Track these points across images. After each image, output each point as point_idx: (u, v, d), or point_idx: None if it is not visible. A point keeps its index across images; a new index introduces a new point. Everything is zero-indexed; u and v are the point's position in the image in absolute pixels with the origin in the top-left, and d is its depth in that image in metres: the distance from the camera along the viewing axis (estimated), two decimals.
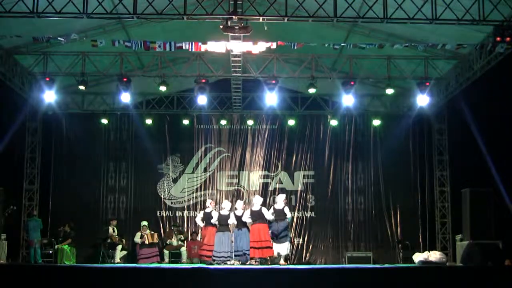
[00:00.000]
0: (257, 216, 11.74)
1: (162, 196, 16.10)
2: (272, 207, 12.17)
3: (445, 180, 15.73)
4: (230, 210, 12.33)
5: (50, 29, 11.75)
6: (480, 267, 9.52)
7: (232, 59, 12.66)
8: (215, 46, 11.48)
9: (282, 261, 11.82)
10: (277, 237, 11.75)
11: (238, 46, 11.48)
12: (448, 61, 13.58)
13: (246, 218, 11.88)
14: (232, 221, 12.08)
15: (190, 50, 11.60)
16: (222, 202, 15.99)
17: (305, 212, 15.91)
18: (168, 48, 11.56)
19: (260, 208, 11.82)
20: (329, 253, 15.85)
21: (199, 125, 16.31)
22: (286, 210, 11.90)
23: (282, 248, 11.78)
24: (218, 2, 10.40)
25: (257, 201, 12.03)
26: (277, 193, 15.56)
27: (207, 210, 12.68)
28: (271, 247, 11.72)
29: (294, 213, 15.54)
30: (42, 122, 15.81)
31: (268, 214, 11.77)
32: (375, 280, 7.25)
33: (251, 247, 11.67)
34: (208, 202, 13.09)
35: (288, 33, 12.70)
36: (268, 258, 11.75)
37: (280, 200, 12.08)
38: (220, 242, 11.95)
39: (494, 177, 12.60)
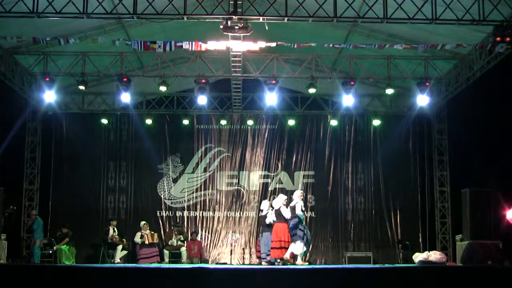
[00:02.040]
0: (277, 216, 11.63)
1: (162, 196, 16.10)
2: (289, 205, 12.03)
3: (445, 180, 15.73)
4: (268, 209, 12.23)
5: (50, 29, 11.76)
6: (480, 267, 9.52)
7: (232, 59, 12.66)
8: (215, 45, 11.49)
9: (298, 261, 11.54)
10: (290, 236, 11.61)
11: (238, 45, 11.48)
12: (448, 61, 13.58)
13: (274, 217, 11.80)
14: (269, 220, 12.01)
15: (190, 49, 11.59)
16: (223, 203, 16.14)
17: (305, 212, 15.88)
18: (168, 48, 11.55)
19: (280, 207, 11.62)
20: (329, 253, 15.85)
21: (199, 125, 16.32)
22: (297, 207, 11.46)
23: (292, 248, 11.45)
24: (218, 2, 10.41)
25: (279, 199, 11.76)
26: (277, 193, 15.56)
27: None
28: (286, 248, 11.45)
29: None
30: (42, 122, 15.81)
31: (286, 213, 11.48)
32: (375, 280, 7.25)
33: (271, 248, 11.61)
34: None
35: (288, 33, 12.70)
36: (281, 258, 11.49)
37: (295, 197, 11.69)
38: (263, 243, 12.20)
39: (492, 178, 12.60)
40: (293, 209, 11.51)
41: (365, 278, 7.34)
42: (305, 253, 11.84)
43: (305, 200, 15.82)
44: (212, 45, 11.48)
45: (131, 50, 13.31)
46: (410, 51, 12.72)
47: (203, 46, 11.50)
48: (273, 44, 11.67)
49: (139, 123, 15.97)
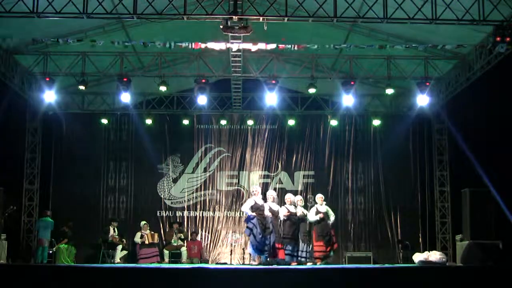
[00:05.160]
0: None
1: (162, 196, 16.10)
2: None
3: (445, 180, 15.72)
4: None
5: (50, 29, 11.75)
6: (480, 267, 9.53)
7: (232, 59, 12.66)
8: (215, 44, 11.51)
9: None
10: None
11: (238, 45, 11.50)
12: (448, 61, 13.58)
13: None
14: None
15: (190, 47, 11.60)
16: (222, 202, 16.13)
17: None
18: (168, 45, 11.58)
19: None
20: None
21: (199, 125, 16.32)
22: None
23: None
24: (218, 2, 10.42)
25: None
26: (276, 193, 15.56)
27: None
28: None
29: None
30: (42, 122, 15.79)
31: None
32: (375, 280, 7.26)
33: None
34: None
35: (288, 33, 12.70)
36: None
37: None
38: None
39: (492, 178, 12.61)
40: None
41: (365, 278, 7.35)
42: (259, 254, 11.32)
43: (305, 200, 15.83)
44: (212, 45, 11.49)
45: (131, 50, 13.30)
46: (410, 51, 12.73)
47: (203, 45, 11.52)
48: (273, 46, 11.65)
49: (139, 123, 15.96)
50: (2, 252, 12.86)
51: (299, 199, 12.07)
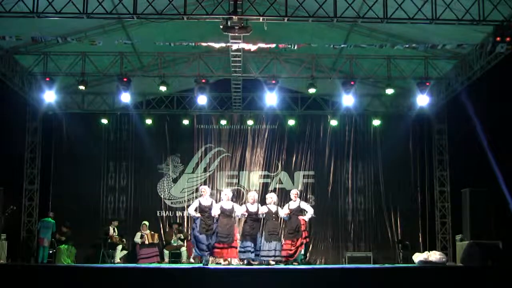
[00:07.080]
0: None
1: (162, 196, 16.10)
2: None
3: (445, 180, 15.72)
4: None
5: (50, 29, 11.75)
6: (480, 267, 9.53)
7: (232, 59, 12.66)
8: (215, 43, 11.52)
9: None
10: None
11: (237, 45, 11.51)
12: (448, 61, 13.58)
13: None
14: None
15: (190, 45, 11.60)
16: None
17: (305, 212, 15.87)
18: (168, 43, 11.59)
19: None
20: (329, 253, 15.85)
21: (199, 125, 16.32)
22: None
23: None
24: (218, 2, 10.41)
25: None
26: (277, 193, 15.56)
27: None
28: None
29: None
30: (42, 122, 15.79)
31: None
32: (375, 280, 7.26)
33: None
34: None
35: (288, 33, 12.70)
36: None
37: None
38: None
39: (493, 177, 12.60)
40: None
41: (365, 278, 7.35)
42: (200, 254, 11.44)
43: (305, 200, 15.85)
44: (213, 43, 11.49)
45: (131, 50, 13.30)
46: (410, 51, 12.72)
47: (204, 44, 11.51)
48: (273, 45, 11.63)
49: (139, 123, 15.97)
50: (2, 252, 12.87)
51: (270, 196, 11.82)
